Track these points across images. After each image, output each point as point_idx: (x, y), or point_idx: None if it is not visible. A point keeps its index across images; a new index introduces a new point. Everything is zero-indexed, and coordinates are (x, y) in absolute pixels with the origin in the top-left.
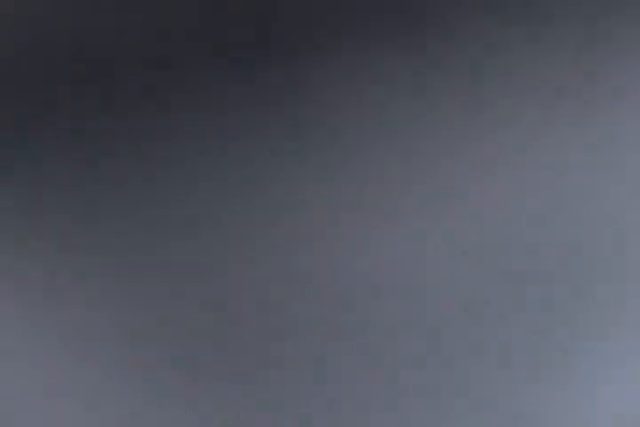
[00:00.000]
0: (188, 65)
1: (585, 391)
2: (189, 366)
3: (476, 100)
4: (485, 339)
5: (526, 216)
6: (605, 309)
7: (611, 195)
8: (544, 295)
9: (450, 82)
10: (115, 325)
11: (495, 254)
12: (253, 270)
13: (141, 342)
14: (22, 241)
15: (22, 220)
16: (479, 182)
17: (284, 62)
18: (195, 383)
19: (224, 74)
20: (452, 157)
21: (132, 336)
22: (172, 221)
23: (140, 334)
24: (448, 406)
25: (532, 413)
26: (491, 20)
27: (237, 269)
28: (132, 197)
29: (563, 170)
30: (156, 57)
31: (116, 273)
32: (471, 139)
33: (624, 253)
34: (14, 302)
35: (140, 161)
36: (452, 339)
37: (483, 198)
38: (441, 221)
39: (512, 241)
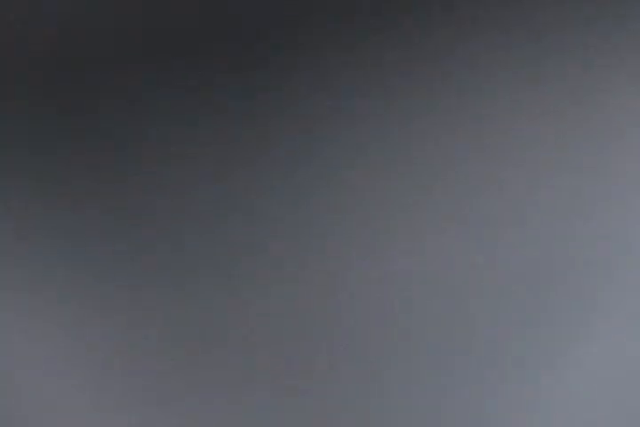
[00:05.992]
0: (185, 70)
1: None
2: (188, 376)
3: (477, 105)
4: (480, 343)
5: (529, 229)
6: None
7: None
8: (543, 303)
9: (453, 86)
10: (117, 333)
11: (493, 261)
12: (253, 281)
13: (140, 347)
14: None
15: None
16: (483, 192)
17: (281, 67)
18: (191, 391)
19: (223, 76)
20: (454, 162)
21: (131, 344)
22: (175, 230)
23: (140, 340)
24: (435, 407)
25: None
26: (493, 19)
27: (238, 278)
28: (130, 202)
29: (567, 176)
30: (152, 56)
31: (113, 280)
32: (475, 147)
33: (625, 261)
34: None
35: (139, 165)
36: (447, 339)
37: (487, 208)
38: (445, 231)
39: (512, 249)
